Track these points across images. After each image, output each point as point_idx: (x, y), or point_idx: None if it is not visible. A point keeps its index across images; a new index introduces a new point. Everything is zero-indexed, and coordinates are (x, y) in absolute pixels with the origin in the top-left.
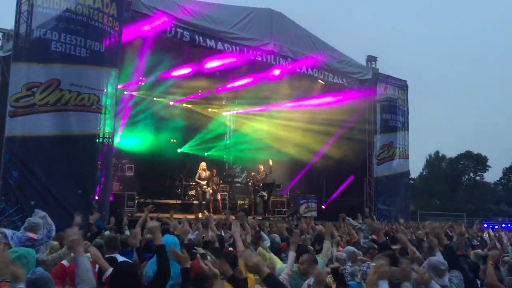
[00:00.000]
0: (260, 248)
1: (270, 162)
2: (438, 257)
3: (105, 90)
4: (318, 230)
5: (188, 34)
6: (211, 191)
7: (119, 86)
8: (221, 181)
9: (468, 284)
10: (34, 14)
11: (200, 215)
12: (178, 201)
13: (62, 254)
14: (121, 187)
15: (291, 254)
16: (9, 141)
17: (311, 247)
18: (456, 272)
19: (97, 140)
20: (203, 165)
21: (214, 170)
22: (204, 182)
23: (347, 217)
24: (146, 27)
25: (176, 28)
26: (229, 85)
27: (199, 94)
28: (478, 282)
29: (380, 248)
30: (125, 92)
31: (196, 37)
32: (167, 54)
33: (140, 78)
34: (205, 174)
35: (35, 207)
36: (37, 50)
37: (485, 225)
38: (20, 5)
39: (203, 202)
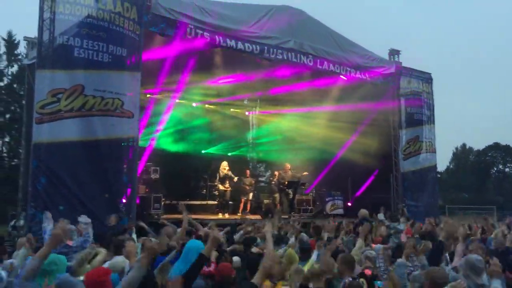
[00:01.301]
0: (290, 250)
1: (288, 166)
2: (476, 255)
3: (128, 94)
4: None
5: (208, 35)
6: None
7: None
8: (253, 181)
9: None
10: (57, 21)
11: (220, 215)
12: (203, 202)
13: (84, 256)
14: (147, 190)
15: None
16: (36, 148)
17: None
18: None
19: (122, 144)
20: (224, 164)
21: (248, 171)
22: (226, 182)
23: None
24: (168, 31)
25: (195, 29)
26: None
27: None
28: None
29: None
30: (148, 95)
31: (216, 37)
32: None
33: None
34: (227, 172)
35: (63, 212)
36: (60, 57)
37: None
38: (42, 13)
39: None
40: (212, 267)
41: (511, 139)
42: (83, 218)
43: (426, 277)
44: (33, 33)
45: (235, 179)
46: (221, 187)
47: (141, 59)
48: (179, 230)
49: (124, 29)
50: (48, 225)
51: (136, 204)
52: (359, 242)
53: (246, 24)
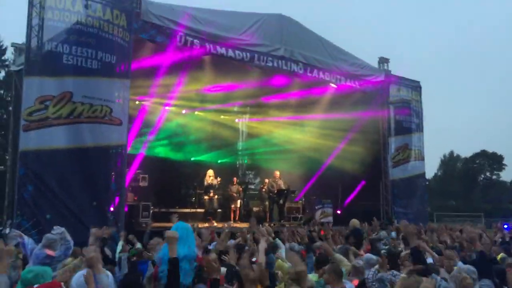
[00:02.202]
0: (279, 261)
1: (278, 174)
2: (469, 266)
3: (117, 101)
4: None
5: (198, 42)
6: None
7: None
8: (240, 189)
9: None
10: (45, 27)
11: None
12: (192, 210)
13: (72, 266)
14: (135, 198)
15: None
16: (23, 155)
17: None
18: (486, 280)
19: (111, 151)
20: (210, 172)
21: (235, 178)
22: (211, 190)
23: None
24: (158, 38)
25: (186, 37)
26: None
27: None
28: None
29: (412, 254)
30: (137, 102)
31: (206, 45)
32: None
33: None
34: (212, 181)
35: (51, 221)
36: (48, 63)
37: (505, 226)
38: (31, 19)
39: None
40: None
41: (498, 147)
42: (55, 230)
43: (399, 285)
44: (21, 39)
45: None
46: (205, 196)
47: (130, 66)
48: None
49: (114, 36)
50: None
51: (125, 212)
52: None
53: (237, 31)
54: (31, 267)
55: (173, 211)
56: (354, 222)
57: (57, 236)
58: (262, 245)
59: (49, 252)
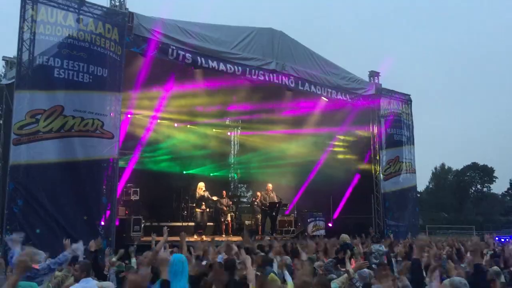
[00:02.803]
0: (271, 275)
1: (270, 187)
2: (461, 278)
3: (109, 114)
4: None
5: (190, 56)
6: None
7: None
8: (230, 202)
9: None
10: (37, 41)
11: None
12: (185, 224)
13: (60, 278)
14: (127, 212)
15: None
16: (13, 169)
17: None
18: None
19: (103, 165)
20: (201, 185)
21: (224, 192)
22: (202, 203)
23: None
24: (149, 52)
25: (177, 50)
26: (233, 106)
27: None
28: None
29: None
30: (129, 116)
31: (198, 58)
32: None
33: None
34: (204, 193)
35: (40, 235)
36: (40, 77)
37: (497, 238)
38: (22, 33)
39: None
40: None
41: (489, 159)
42: (76, 245)
43: None
44: (12, 52)
45: (214, 198)
46: (197, 209)
47: (122, 80)
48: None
49: (106, 50)
50: (15, 251)
51: (116, 226)
52: (349, 273)
53: (228, 45)
54: (19, 282)
55: (164, 224)
56: (344, 237)
57: (39, 251)
58: (248, 260)
59: (33, 265)
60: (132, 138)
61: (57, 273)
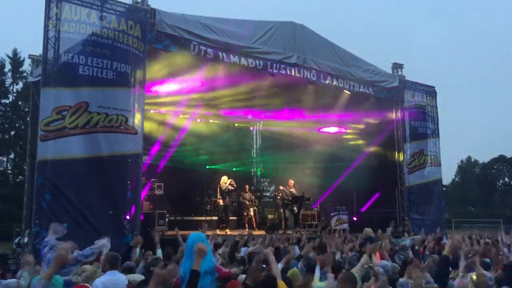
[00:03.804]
0: (294, 270)
1: (292, 182)
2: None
3: (132, 110)
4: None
5: (212, 51)
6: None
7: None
8: (253, 197)
9: None
10: (61, 39)
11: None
12: (208, 218)
13: (89, 273)
14: (151, 206)
15: (330, 276)
16: (41, 165)
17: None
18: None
19: (129, 160)
20: (224, 178)
21: (247, 186)
22: (226, 196)
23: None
24: (172, 48)
25: (199, 46)
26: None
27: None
28: None
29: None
30: (152, 111)
31: (220, 53)
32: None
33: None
34: (228, 187)
35: (68, 230)
36: (65, 74)
37: None
38: (47, 31)
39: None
40: None
41: None
42: (102, 241)
43: None
44: (38, 51)
45: (232, 186)
46: (221, 202)
47: (145, 76)
48: None
49: (128, 46)
50: (50, 240)
51: (141, 220)
52: (364, 257)
53: (250, 39)
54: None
55: (189, 219)
56: (368, 230)
57: (68, 243)
58: (271, 255)
59: None
60: (154, 133)
61: (87, 266)
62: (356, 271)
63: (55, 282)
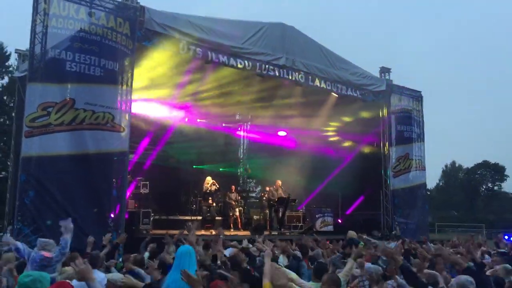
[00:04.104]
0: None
1: (279, 183)
2: (467, 276)
3: (119, 108)
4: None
5: (201, 50)
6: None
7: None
8: (239, 197)
9: None
10: (49, 34)
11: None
12: (193, 217)
13: (70, 274)
14: (136, 205)
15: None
16: (25, 161)
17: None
18: None
19: (114, 158)
20: (208, 179)
21: (233, 186)
22: (209, 197)
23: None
24: (160, 46)
25: (188, 45)
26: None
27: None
28: None
29: (402, 271)
30: (139, 109)
31: (209, 53)
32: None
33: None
34: (210, 188)
35: (51, 227)
36: (52, 70)
37: (506, 237)
38: (35, 26)
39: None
40: None
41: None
42: (64, 222)
43: None
44: (25, 45)
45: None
46: (204, 203)
47: (133, 74)
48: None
49: (117, 44)
50: (65, 236)
51: (125, 219)
52: (350, 262)
53: (239, 40)
54: (29, 272)
55: (173, 218)
56: (351, 233)
57: (50, 240)
58: (267, 259)
59: (46, 254)
60: (141, 131)
61: (66, 268)
62: (342, 275)
63: (43, 279)
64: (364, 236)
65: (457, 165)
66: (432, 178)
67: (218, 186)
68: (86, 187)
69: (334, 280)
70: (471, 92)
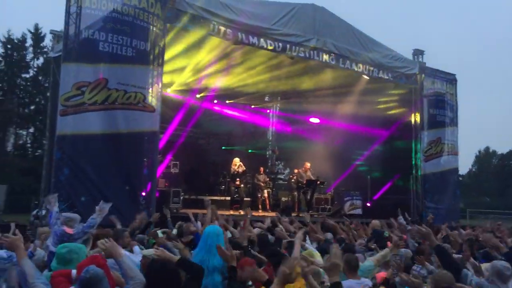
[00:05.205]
0: (309, 250)
1: (308, 165)
2: (503, 262)
3: (150, 88)
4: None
5: (231, 31)
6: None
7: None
8: (267, 179)
9: None
10: (83, 15)
11: (232, 211)
12: (221, 198)
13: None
14: (166, 184)
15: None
16: (60, 139)
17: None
18: None
19: (145, 138)
20: (236, 161)
21: (261, 168)
22: (237, 178)
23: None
24: (191, 27)
25: (218, 26)
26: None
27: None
28: None
29: (437, 252)
30: (168, 90)
31: (239, 34)
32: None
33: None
34: (238, 169)
35: (85, 203)
36: (85, 50)
37: None
38: (69, 7)
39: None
40: None
41: None
42: (103, 205)
43: (431, 281)
44: (59, 26)
45: (242, 169)
46: (232, 184)
47: (164, 54)
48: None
49: (148, 24)
50: (52, 209)
51: (156, 197)
52: (386, 251)
53: (269, 21)
54: (66, 244)
55: (203, 198)
56: (374, 223)
57: (75, 216)
58: (298, 241)
59: (67, 229)
60: (171, 112)
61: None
62: (374, 260)
63: (79, 251)
64: (399, 217)
65: (491, 150)
66: (465, 164)
67: (244, 168)
68: (118, 165)
69: (350, 261)
70: (507, 77)
